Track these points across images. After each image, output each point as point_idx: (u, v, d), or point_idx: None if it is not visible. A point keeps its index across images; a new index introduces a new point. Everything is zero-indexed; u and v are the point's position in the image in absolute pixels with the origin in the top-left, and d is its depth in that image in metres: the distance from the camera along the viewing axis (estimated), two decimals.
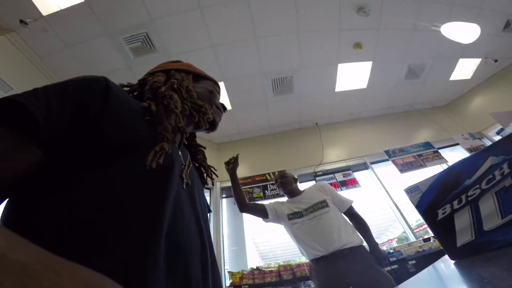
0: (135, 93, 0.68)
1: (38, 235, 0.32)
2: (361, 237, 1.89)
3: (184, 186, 0.57)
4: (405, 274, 3.01)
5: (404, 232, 3.79)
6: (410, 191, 0.58)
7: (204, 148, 0.82)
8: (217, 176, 0.82)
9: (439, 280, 0.51)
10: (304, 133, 4.76)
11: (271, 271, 3.20)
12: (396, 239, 4.47)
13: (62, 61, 3.08)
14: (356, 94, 4.39)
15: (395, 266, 3.07)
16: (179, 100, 0.63)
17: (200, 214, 0.59)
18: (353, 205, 2.05)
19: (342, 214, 2.00)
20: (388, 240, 4.67)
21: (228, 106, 4.03)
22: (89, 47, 3.00)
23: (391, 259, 3.08)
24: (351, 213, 2.03)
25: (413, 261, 3.05)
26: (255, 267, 3.39)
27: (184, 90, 0.67)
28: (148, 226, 0.42)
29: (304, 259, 3.26)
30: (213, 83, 0.79)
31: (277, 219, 2.11)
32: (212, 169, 0.80)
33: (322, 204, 1.97)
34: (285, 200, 2.26)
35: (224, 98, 3.90)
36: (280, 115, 4.41)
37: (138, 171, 0.45)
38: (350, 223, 1.99)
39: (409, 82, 4.33)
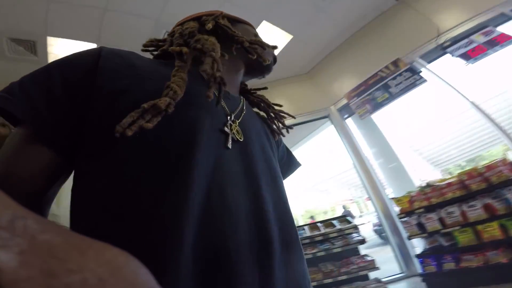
0: (161, 50, 0.56)
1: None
2: None
3: (230, 146, 0.43)
4: None
5: None
6: None
7: (261, 89, 0.71)
8: (293, 117, 0.67)
9: None
10: (389, 15, 3.63)
11: (449, 184, 2.44)
12: None
13: None
14: None
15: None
16: (218, 43, 0.48)
17: (263, 181, 0.44)
18: None
19: None
20: None
21: (289, 37, 3.54)
22: None
23: None
24: None
25: None
26: (424, 184, 2.75)
27: (223, 29, 0.54)
28: (164, 225, 0.32)
29: (495, 153, 2.56)
30: (251, 27, 0.68)
31: None
32: (281, 114, 0.66)
33: None
34: None
35: (276, 31, 3.41)
36: (351, 10, 3.44)
37: (146, 144, 0.37)
38: None
39: None
